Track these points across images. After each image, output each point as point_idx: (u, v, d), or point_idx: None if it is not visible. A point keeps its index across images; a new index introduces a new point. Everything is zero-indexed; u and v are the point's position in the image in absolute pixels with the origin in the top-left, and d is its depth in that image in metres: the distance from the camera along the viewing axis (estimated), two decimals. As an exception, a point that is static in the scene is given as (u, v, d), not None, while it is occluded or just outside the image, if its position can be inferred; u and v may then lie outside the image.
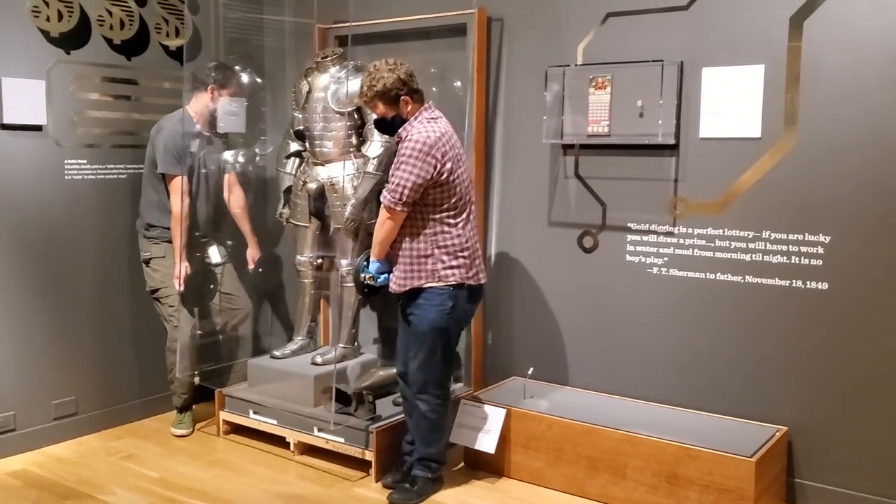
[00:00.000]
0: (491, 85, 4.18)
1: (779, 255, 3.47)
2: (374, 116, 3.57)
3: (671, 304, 3.76)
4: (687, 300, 3.71)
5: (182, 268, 4.14)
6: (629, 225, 3.84)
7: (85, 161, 4.22)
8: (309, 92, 4.15)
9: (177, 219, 4.11)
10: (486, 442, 3.71)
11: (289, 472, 3.88)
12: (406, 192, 3.28)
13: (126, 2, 4.33)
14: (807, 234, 3.39)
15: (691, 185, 3.66)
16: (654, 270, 3.79)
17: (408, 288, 3.43)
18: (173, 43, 4.58)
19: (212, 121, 4.30)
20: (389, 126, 3.48)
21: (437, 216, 3.38)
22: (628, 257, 3.86)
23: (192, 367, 4.31)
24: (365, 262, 3.54)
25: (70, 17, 4.09)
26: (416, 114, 3.42)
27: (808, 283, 3.41)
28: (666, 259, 3.75)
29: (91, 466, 3.93)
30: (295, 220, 4.30)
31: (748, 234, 3.53)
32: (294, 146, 4.34)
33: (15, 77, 3.88)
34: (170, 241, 4.17)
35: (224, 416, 4.30)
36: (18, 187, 3.97)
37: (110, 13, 4.26)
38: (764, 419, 3.55)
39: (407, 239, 3.41)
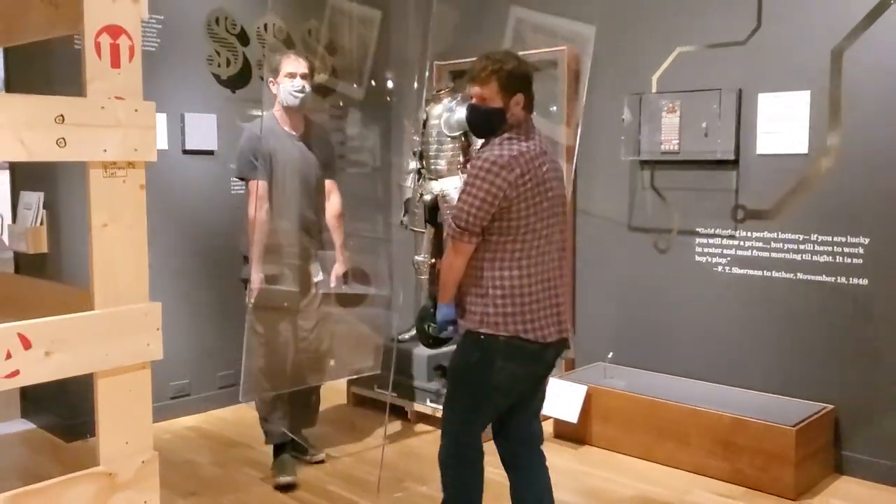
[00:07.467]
0: (578, 110, 4.85)
1: (825, 255, 3.97)
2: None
3: (733, 297, 4.31)
4: (747, 294, 4.26)
5: (258, 279, 3.89)
6: (697, 229, 4.42)
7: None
8: (426, 119, 4.94)
9: (253, 225, 3.87)
10: (570, 413, 4.37)
11: (406, 436, 4.66)
12: (471, 218, 2.72)
13: (278, 48, 5.28)
14: (849, 237, 3.89)
15: (750, 194, 4.22)
16: (719, 269, 4.34)
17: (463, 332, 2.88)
18: (315, 80, 5.48)
19: (304, 122, 4.09)
20: (482, 124, 2.89)
21: (499, 250, 2.76)
22: (697, 257, 4.43)
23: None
24: (432, 309, 3.13)
25: (236, 62, 5.06)
26: (502, 134, 2.81)
27: (851, 279, 3.90)
28: (729, 259, 4.31)
29: (249, 426, 4.80)
30: (413, 227, 5.09)
31: (799, 237, 4.05)
32: (413, 164, 5.13)
33: (194, 112, 4.88)
34: None
35: (353, 389, 5.14)
36: (195, 199, 4.96)
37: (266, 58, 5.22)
38: (813, 398, 4.04)
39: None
